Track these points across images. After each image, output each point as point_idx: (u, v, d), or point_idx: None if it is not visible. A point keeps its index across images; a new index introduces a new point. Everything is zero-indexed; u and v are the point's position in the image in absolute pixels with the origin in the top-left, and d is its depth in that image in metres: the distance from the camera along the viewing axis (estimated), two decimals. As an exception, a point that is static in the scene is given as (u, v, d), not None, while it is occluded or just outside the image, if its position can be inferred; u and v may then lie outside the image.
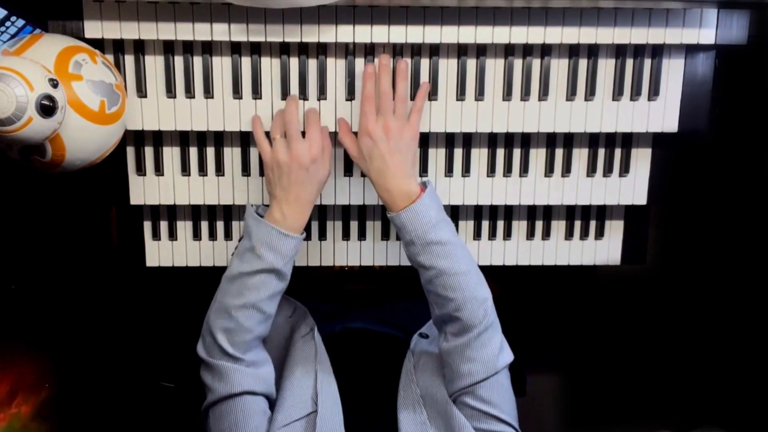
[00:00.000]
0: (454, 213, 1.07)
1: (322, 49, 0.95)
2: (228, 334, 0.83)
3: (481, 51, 0.97)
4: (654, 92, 0.98)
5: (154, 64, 0.94)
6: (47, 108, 0.74)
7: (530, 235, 1.09)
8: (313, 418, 0.78)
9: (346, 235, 1.06)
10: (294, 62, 0.95)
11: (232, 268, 0.85)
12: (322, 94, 0.96)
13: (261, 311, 0.84)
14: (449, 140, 1.01)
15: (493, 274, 1.03)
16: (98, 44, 0.91)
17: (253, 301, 0.83)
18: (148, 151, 0.99)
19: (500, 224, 1.08)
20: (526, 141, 1.02)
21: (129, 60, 0.94)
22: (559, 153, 1.03)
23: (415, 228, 0.83)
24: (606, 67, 0.98)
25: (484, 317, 0.82)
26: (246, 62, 0.95)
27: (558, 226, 1.09)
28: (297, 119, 0.90)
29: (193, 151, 1.00)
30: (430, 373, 0.88)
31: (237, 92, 0.95)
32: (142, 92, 0.94)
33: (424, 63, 0.96)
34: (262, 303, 0.84)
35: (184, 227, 1.05)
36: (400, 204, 0.85)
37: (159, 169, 0.99)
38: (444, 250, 0.83)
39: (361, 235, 1.07)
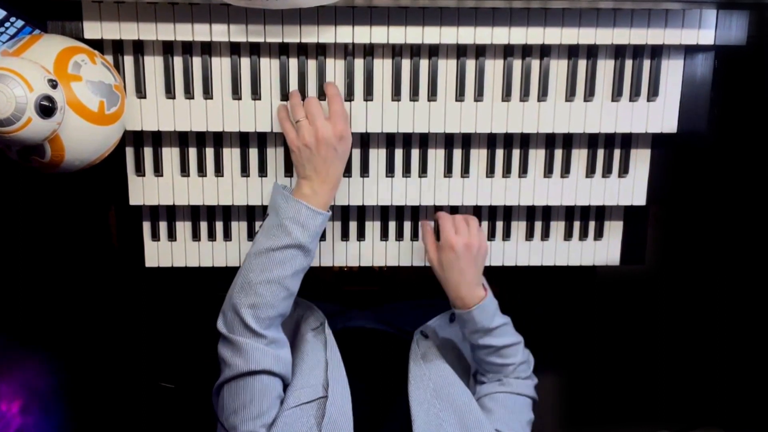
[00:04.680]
0: (454, 213, 1.07)
1: (321, 50, 0.95)
2: (251, 310, 0.84)
3: (480, 52, 0.97)
4: (653, 93, 0.98)
5: (154, 64, 0.95)
6: (46, 108, 0.74)
7: (529, 235, 1.09)
8: (323, 403, 0.80)
9: (345, 236, 1.06)
10: (293, 63, 0.95)
11: (258, 244, 0.87)
12: (321, 94, 0.96)
13: (285, 287, 0.86)
14: (448, 141, 1.01)
15: (492, 274, 1.03)
16: (97, 45, 0.91)
17: (278, 277, 0.85)
18: (148, 152, 0.99)
19: (499, 225, 1.08)
20: (525, 141, 1.02)
21: (128, 61, 0.94)
22: (558, 153, 1.03)
23: (482, 320, 0.94)
24: (605, 67, 0.98)
25: (528, 368, 0.99)
26: (245, 63, 0.95)
27: (557, 227, 1.09)
28: (317, 99, 0.91)
29: (193, 152, 1.00)
30: (440, 364, 0.92)
31: (236, 93, 0.95)
32: (141, 93, 0.94)
33: (423, 64, 0.96)
34: (287, 279, 0.86)
35: (183, 228, 1.05)
36: (470, 304, 0.95)
37: (158, 170, 1.00)
38: (502, 330, 0.96)
39: (361, 236, 1.07)
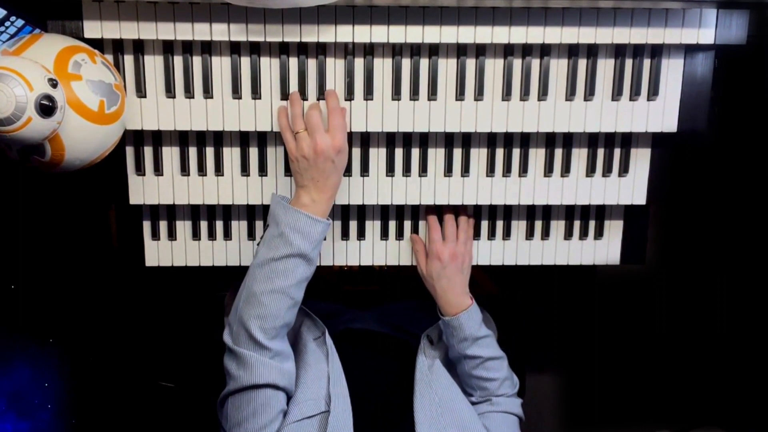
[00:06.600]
0: (454, 213, 1.07)
1: (321, 49, 0.95)
2: (258, 321, 0.84)
3: (481, 51, 0.97)
4: (653, 92, 0.98)
5: (154, 64, 0.95)
6: (46, 108, 0.74)
7: (529, 234, 1.09)
8: (325, 418, 0.80)
9: (345, 235, 1.06)
10: (293, 62, 0.95)
11: (260, 256, 0.87)
12: (321, 94, 0.96)
13: (290, 296, 0.86)
14: (449, 140, 1.01)
15: (492, 274, 1.03)
16: (98, 44, 0.91)
17: (282, 287, 0.85)
18: (148, 151, 0.99)
19: (499, 224, 1.08)
20: (525, 141, 1.02)
21: (128, 60, 0.94)
22: (558, 153, 1.03)
23: (470, 327, 0.97)
24: (605, 67, 0.98)
25: (512, 385, 1.00)
26: (245, 62, 0.95)
27: (557, 226, 1.09)
28: (318, 111, 0.91)
29: (193, 151, 1.00)
30: (446, 377, 0.93)
31: (236, 92, 0.95)
32: (141, 92, 0.94)
33: (424, 63, 0.96)
34: (291, 288, 0.86)
35: (183, 227, 1.05)
36: (458, 310, 0.97)
37: (158, 169, 1.00)
38: (487, 341, 0.98)
39: (361, 235, 1.06)
